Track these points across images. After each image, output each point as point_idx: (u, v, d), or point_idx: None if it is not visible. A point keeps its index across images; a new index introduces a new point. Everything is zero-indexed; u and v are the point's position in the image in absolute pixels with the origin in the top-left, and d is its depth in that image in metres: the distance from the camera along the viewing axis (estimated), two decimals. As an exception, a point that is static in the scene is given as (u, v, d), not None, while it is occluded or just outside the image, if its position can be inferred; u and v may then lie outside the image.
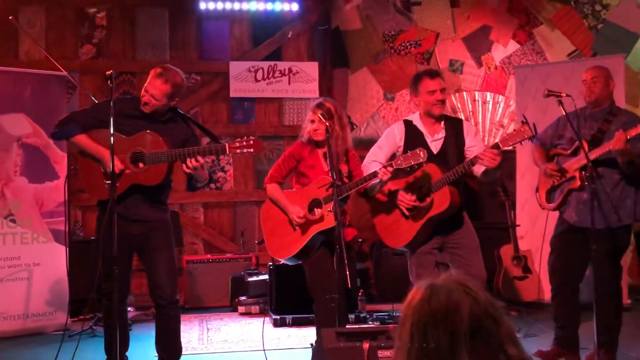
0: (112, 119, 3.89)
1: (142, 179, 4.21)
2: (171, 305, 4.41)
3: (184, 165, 4.15)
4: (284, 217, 4.48)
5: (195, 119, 4.39)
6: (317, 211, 4.37)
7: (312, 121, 4.46)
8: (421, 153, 4.16)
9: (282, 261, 4.74)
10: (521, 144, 4.51)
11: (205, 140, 5.60)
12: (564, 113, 4.49)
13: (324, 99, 4.65)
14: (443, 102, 4.58)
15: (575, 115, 4.67)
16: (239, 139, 4.22)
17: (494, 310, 1.33)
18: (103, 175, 4.24)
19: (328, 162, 4.37)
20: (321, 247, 4.47)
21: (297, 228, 4.42)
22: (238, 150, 4.17)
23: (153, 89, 4.24)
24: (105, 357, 4.51)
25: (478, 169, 4.41)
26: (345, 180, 4.48)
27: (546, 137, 5.04)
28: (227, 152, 4.18)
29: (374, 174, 4.21)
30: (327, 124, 4.32)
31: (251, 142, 4.17)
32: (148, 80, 4.29)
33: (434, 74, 4.62)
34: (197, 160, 4.10)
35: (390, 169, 4.21)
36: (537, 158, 5.04)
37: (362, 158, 4.75)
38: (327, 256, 4.47)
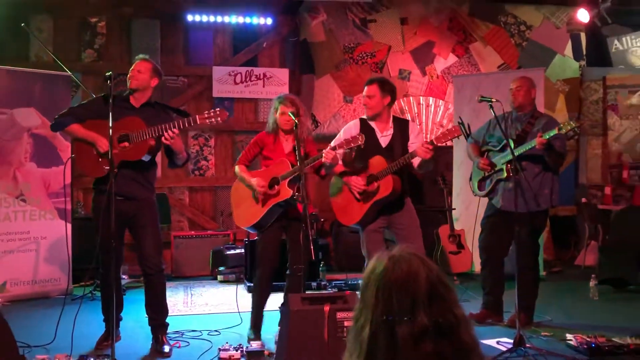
0: (110, 113, 3.84)
1: (128, 155, 4.15)
2: (157, 273, 4.39)
3: (163, 138, 4.12)
4: (248, 193, 4.48)
5: (189, 115, 4.34)
6: (275, 187, 4.38)
7: (283, 113, 4.45)
8: (359, 137, 4.22)
9: (246, 229, 4.74)
10: (452, 141, 4.54)
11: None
12: (494, 116, 4.55)
13: (289, 95, 4.62)
14: (366, 106, 4.55)
15: (503, 118, 4.72)
16: (206, 111, 4.20)
17: (444, 278, 1.36)
18: (96, 155, 4.22)
19: (293, 150, 4.42)
20: (275, 223, 4.46)
21: (259, 201, 4.42)
22: (207, 120, 4.16)
23: (138, 67, 4.33)
24: (103, 317, 4.48)
25: (415, 162, 4.44)
26: None
27: (479, 135, 5.10)
28: (198, 122, 4.15)
29: (320, 156, 4.24)
30: (296, 120, 4.33)
31: (217, 112, 4.17)
32: (134, 68, 4.33)
33: (367, 82, 4.62)
34: (173, 132, 4.09)
35: (332, 151, 4.25)
36: (472, 153, 5.10)
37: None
38: (275, 238, 4.50)
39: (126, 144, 4.15)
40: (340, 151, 4.33)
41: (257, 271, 4.55)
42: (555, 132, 4.43)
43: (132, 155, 4.17)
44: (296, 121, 4.32)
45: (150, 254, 4.34)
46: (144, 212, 4.35)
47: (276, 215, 4.43)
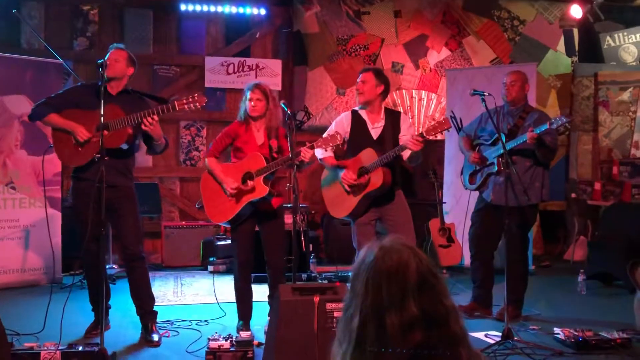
0: (102, 100, 3.82)
1: (107, 143, 4.05)
2: (138, 260, 4.39)
3: (142, 124, 4.11)
4: (219, 187, 4.43)
5: (167, 101, 4.32)
6: (249, 183, 4.33)
7: (251, 99, 4.42)
8: (338, 136, 4.26)
9: (221, 224, 4.71)
10: (443, 134, 4.54)
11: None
12: (486, 109, 4.55)
13: (260, 83, 4.53)
14: (360, 91, 4.56)
15: (495, 112, 4.73)
16: (184, 97, 4.17)
17: (434, 269, 1.36)
18: (75, 145, 4.22)
19: (265, 138, 4.43)
20: (249, 219, 4.44)
21: (232, 197, 4.38)
22: (186, 107, 4.14)
23: (114, 55, 4.29)
24: (91, 306, 4.48)
25: (405, 154, 4.45)
26: (275, 155, 4.43)
27: (471, 129, 5.11)
28: (177, 108, 4.13)
29: (298, 153, 4.20)
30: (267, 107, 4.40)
31: (196, 97, 4.15)
32: (111, 59, 4.27)
33: (363, 70, 4.66)
34: (152, 119, 4.08)
35: (311, 149, 4.25)
36: (464, 146, 5.11)
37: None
38: (249, 231, 4.48)
39: (105, 132, 4.12)
40: (324, 151, 4.32)
41: (235, 265, 4.55)
42: (546, 127, 4.44)
43: (111, 142, 4.12)
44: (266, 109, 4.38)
45: (130, 242, 4.34)
46: (122, 201, 4.34)
47: (250, 210, 4.42)
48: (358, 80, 4.59)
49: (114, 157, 4.20)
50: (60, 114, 4.26)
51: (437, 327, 1.30)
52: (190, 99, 4.13)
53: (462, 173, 5.19)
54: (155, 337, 4.30)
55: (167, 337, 4.44)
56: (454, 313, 1.35)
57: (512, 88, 4.87)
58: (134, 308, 4.47)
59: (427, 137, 4.30)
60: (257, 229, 4.56)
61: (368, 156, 4.44)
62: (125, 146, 4.27)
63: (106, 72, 4.19)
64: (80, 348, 3.77)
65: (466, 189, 5.20)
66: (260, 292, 4.86)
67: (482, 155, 4.92)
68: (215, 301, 5.01)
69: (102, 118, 3.82)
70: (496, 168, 4.78)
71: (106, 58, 4.22)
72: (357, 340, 1.32)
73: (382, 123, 4.59)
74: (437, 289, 1.34)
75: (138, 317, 4.45)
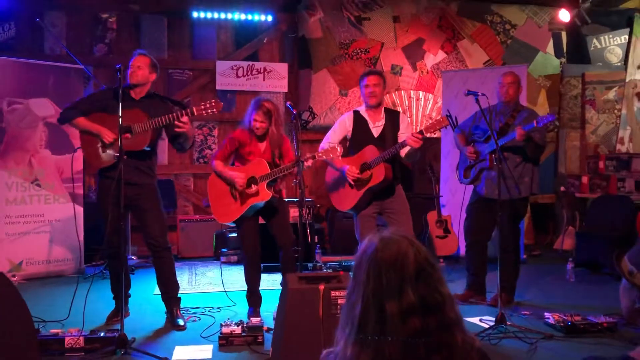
0: (120, 103, 3.81)
1: (130, 146, 4.12)
2: (164, 251, 4.40)
3: (175, 128, 4.11)
4: (226, 189, 4.43)
5: (188, 106, 4.32)
6: (254, 187, 4.34)
7: (255, 120, 4.38)
8: (338, 148, 4.24)
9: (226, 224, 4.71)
10: (440, 131, 4.52)
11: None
12: (480, 108, 4.53)
13: (266, 104, 4.43)
14: (374, 94, 4.51)
15: (488, 110, 4.72)
16: (202, 103, 4.16)
17: (431, 258, 1.36)
18: (100, 146, 4.23)
19: (267, 149, 4.43)
20: (251, 217, 4.46)
21: (237, 199, 4.38)
22: (203, 112, 4.12)
23: (138, 62, 4.28)
24: (112, 295, 4.50)
25: (403, 151, 4.44)
26: (277, 161, 4.45)
27: (466, 126, 5.09)
28: (195, 114, 4.12)
29: (301, 163, 4.16)
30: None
31: (213, 103, 4.12)
32: (135, 67, 4.27)
33: (370, 72, 4.60)
34: (182, 121, 4.07)
35: (312, 159, 4.23)
36: (459, 142, 5.09)
37: (321, 140, 4.75)
38: (253, 226, 4.49)
39: (128, 135, 4.14)
40: (322, 157, 4.30)
41: (244, 258, 4.56)
42: (533, 125, 4.43)
43: (135, 145, 4.16)
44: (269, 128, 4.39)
45: (155, 234, 4.35)
46: (146, 197, 4.34)
47: (252, 212, 4.43)
48: (365, 82, 4.53)
49: (137, 158, 4.22)
50: (88, 117, 4.25)
51: (434, 313, 1.31)
52: (208, 105, 4.12)
53: (457, 168, 5.18)
54: (181, 322, 4.33)
55: (194, 321, 4.46)
56: (449, 300, 1.35)
57: (510, 88, 4.83)
58: (153, 296, 4.49)
59: (427, 134, 4.30)
60: (261, 221, 4.57)
61: (370, 153, 4.44)
62: (148, 148, 4.28)
63: (130, 79, 4.21)
64: (102, 334, 3.79)
65: (461, 182, 5.19)
66: (269, 281, 4.88)
67: (476, 150, 4.91)
68: (233, 289, 5.03)
69: (120, 119, 3.82)
70: (488, 163, 4.77)
71: (129, 64, 4.24)
72: (359, 326, 1.33)
73: (382, 122, 4.58)
74: (433, 277, 1.34)
75: (156, 305, 4.46)
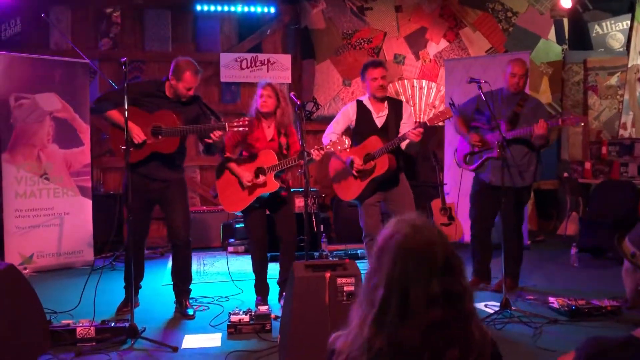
0: (126, 97, 3.81)
1: (160, 148, 4.17)
2: (185, 244, 4.43)
3: (207, 137, 4.12)
4: (234, 178, 4.45)
5: (221, 120, 4.34)
6: (262, 177, 4.34)
7: (262, 96, 4.40)
8: (346, 141, 4.22)
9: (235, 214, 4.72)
10: (443, 122, 4.48)
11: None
12: (483, 97, 4.47)
13: (271, 82, 4.50)
14: (384, 86, 4.52)
15: (491, 96, 4.68)
16: (236, 120, 4.15)
17: (455, 251, 1.35)
18: (129, 142, 4.20)
19: (275, 134, 4.43)
20: (258, 207, 4.47)
21: (245, 188, 4.40)
22: (235, 129, 4.14)
23: (193, 83, 4.24)
24: (124, 284, 4.51)
25: (403, 144, 4.43)
26: (284, 152, 4.45)
27: (466, 110, 4.97)
28: (227, 130, 4.13)
29: (309, 154, 4.17)
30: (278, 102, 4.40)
31: (246, 122, 4.14)
32: (184, 77, 4.19)
33: (377, 64, 4.55)
34: (215, 135, 4.10)
35: (321, 151, 4.22)
36: (460, 128, 5.01)
37: (325, 130, 4.74)
38: (260, 216, 4.50)
39: (160, 137, 4.15)
40: (331, 149, 4.28)
41: (251, 248, 4.58)
42: (559, 123, 4.53)
43: (165, 148, 4.18)
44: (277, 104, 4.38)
45: (179, 226, 4.37)
46: (173, 190, 4.36)
47: (260, 202, 4.45)
48: (373, 75, 4.47)
49: (165, 157, 4.23)
50: (120, 110, 4.14)
51: (455, 305, 1.30)
52: (241, 122, 4.11)
53: (455, 151, 5.12)
54: (190, 312, 4.37)
55: (202, 310, 4.48)
56: (469, 292, 1.35)
57: (521, 80, 4.73)
58: (162, 287, 4.51)
59: (430, 125, 4.29)
60: (267, 212, 4.58)
61: (374, 143, 4.44)
62: (177, 150, 4.27)
63: (182, 97, 4.23)
64: (113, 324, 3.81)
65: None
66: (276, 270, 4.88)
67: (482, 138, 4.85)
68: (232, 280, 5.05)
69: (125, 112, 3.81)
70: (496, 153, 4.73)
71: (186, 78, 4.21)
72: (380, 308, 1.32)
73: (385, 112, 4.57)
74: (458, 269, 1.34)
75: (165, 296, 4.48)
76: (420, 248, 1.32)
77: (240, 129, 4.13)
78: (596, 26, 8.53)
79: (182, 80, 4.20)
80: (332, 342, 1.42)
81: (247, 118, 4.20)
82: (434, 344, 1.28)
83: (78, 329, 3.73)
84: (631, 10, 8.45)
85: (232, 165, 4.47)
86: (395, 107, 4.61)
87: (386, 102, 4.60)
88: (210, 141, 4.15)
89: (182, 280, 4.49)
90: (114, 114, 4.22)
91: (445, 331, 1.29)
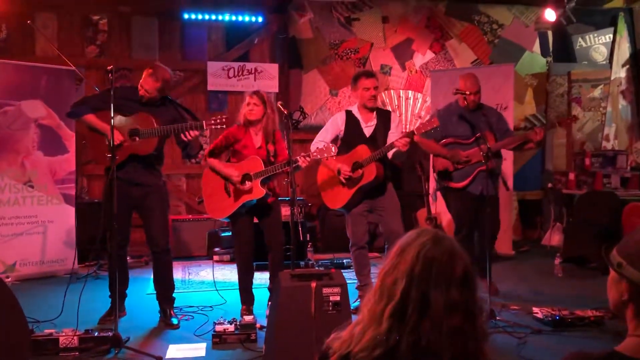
0: (112, 103, 3.82)
1: (137, 150, 4.17)
2: (164, 252, 4.41)
3: (182, 135, 4.12)
4: (220, 185, 4.42)
5: (198, 118, 4.33)
6: (248, 183, 4.33)
7: (249, 104, 4.41)
8: (332, 148, 4.23)
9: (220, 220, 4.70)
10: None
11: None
12: (460, 111, 4.55)
13: (259, 91, 4.51)
14: (375, 97, 4.58)
15: (453, 110, 4.85)
16: (213, 117, 4.17)
17: (471, 264, 1.36)
18: (107, 145, 4.18)
19: (263, 141, 4.42)
20: (246, 215, 4.44)
21: (230, 195, 4.37)
22: (213, 126, 4.13)
23: (146, 85, 4.26)
24: (109, 293, 4.47)
25: (390, 153, 4.45)
26: (272, 159, 4.44)
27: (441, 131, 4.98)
28: (205, 128, 4.13)
29: (296, 161, 4.16)
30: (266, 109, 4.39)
31: (223, 119, 4.15)
32: (143, 77, 4.26)
33: (369, 75, 4.59)
34: (190, 134, 4.10)
35: (308, 158, 4.22)
36: (436, 148, 5.03)
37: (312, 139, 4.75)
38: (247, 224, 4.48)
39: (137, 138, 4.14)
40: (317, 156, 4.29)
41: (237, 256, 4.56)
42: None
43: (142, 149, 4.18)
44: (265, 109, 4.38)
45: (157, 234, 4.35)
46: (152, 197, 4.34)
47: (246, 208, 4.43)
48: (366, 85, 4.49)
49: (144, 159, 4.23)
50: (97, 114, 4.21)
51: (471, 320, 1.30)
52: (218, 120, 4.12)
53: (440, 176, 5.07)
54: (175, 321, 4.34)
55: (187, 320, 4.45)
56: (482, 310, 1.36)
57: (477, 96, 4.90)
58: (147, 296, 4.47)
59: (418, 134, 4.32)
60: (255, 220, 4.56)
61: (362, 152, 4.45)
62: (154, 152, 4.27)
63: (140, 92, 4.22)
64: (96, 333, 3.77)
65: (442, 186, 5.15)
66: (262, 279, 4.87)
67: (468, 153, 4.89)
68: (217, 289, 5.02)
69: (112, 120, 3.81)
70: (486, 165, 4.75)
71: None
72: (401, 300, 1.31)
73: (374, 122, 4.59)
74: (474, 285, 1.35)
75: (151, 305, 4.45)
76: (441, 257, 1.33)
77: (219, 126, 4.12)
78: (580, 39, 8.65)
79: (142, 79, 4.26)
80: (331, 342, 1.41)
81: (225, 115, 4.20)
82: (454, 349, 1.27)
83: (61, 339, 3.69)
84: (613, 24, 8.57)
85: (219, 166, 4.43)
86: (384, 117, 4.64)
87: (375, 112, 4.62)
88: (186, 140, 4.13)
89: (164, 287, 4.46)
90: (90, 118, 4.24)
91: (463, 340, 1.28)
